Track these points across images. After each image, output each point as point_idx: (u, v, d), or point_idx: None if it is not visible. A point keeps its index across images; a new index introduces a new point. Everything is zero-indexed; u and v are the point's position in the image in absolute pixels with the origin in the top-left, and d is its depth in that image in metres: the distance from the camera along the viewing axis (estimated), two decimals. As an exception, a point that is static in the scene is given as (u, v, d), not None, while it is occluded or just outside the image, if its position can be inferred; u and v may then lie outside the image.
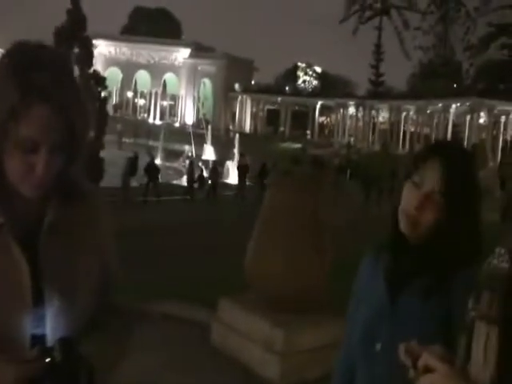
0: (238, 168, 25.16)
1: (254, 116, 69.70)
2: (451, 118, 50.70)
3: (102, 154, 20.61)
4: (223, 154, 33.14)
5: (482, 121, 48.50)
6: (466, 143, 46.00)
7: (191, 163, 25.24)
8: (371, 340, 1.48)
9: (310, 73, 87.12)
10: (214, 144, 39.41)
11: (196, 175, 24.41)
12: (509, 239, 1.06)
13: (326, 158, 34.96)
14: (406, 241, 1.46)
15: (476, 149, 37.85)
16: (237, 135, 37.19)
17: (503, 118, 47.81)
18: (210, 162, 26.82)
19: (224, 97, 68.65)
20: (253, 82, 74.31)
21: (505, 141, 47.76)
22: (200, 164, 28.14)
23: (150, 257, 9.59)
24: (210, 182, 23.77)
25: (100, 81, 23.24)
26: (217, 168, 24.77)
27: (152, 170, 21.03)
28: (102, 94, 23.01)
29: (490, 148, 44.18)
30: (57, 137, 1.05)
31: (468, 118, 48.20)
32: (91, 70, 22.85)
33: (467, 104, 47.38)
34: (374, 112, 60.35)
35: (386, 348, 1.45)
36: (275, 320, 4.47)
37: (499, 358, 0.99)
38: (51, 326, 1.12)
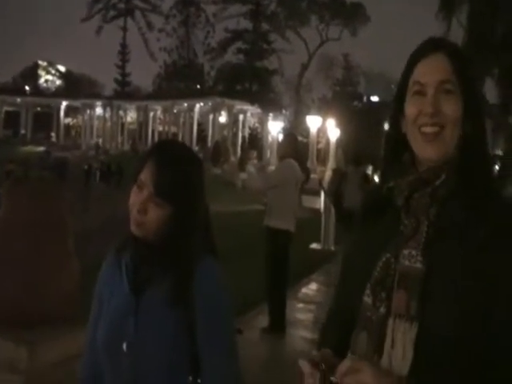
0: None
1: (-12, 118, 63.33)
2: (196, 117, 53.33)
3: None
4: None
5: (223, 119, 52.06)
6: (210, 140, 48.97)
7: None
8: (117, 340, 1.48)
9: (53, 72, 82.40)
10: None
11: None
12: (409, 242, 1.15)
13: (72, 160, 33.61)
14: (142, 239, 1.48)
15: (218, 145, 40.55)
16: (-32, 140, 33.36)
17: (241, 117, 52.05)
18: None
19: (-50, 97, 60.89)
20: (-14, 81, 67.50)
21: (243, 137, 52.04)
22: None
23: None
24: None
25: None
26: None
27: None
28: None
29: (231, 144, 47.69)
30: None
31: (211, 116, 51.30)
32: None
33: (210, 104, 50.42)
34: (121, 112, 60.00)
35: (132, 346, 1.47)
36: (19, 338, 4.16)
37: (416, 351, 1.10)
38: None
